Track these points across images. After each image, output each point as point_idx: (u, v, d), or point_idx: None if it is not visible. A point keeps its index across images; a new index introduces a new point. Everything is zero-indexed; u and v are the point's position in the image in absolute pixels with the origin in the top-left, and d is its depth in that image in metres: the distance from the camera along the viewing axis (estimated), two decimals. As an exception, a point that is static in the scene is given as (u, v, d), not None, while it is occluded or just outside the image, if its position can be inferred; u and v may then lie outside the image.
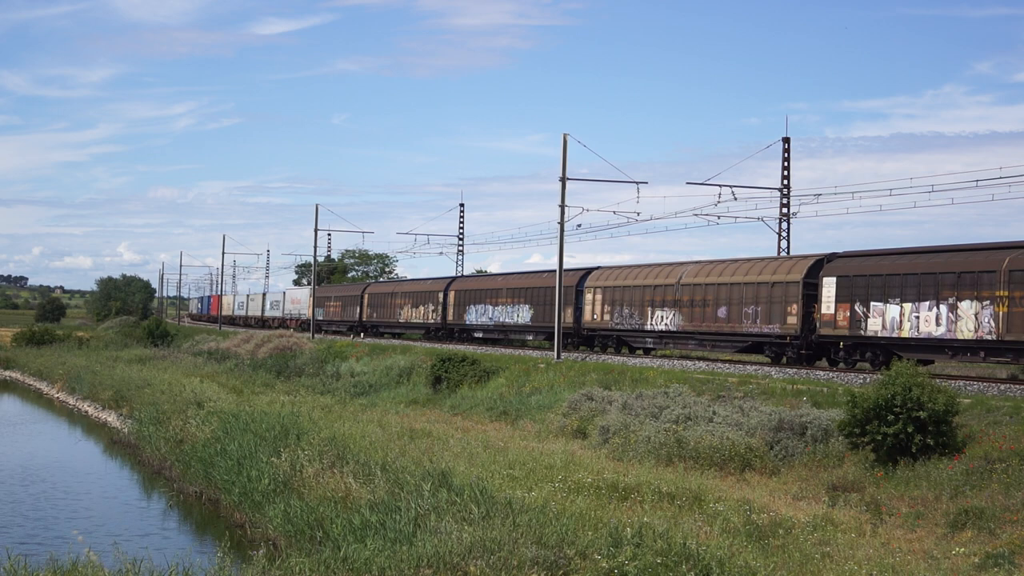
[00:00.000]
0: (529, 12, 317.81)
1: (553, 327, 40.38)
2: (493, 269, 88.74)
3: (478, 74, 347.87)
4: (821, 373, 29.93)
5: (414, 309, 62.09)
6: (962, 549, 14.08)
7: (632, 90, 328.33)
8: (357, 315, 70.50)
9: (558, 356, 38.34)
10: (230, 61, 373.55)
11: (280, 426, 24.33)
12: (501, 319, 51.95)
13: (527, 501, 15.95)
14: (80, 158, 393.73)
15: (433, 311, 59.28)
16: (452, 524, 14.56)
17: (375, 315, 68.04)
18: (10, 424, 38.14)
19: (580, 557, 13.08)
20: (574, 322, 44.40)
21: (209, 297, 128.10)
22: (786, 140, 45.26)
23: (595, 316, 43.48)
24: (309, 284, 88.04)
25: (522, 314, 50.11)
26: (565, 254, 40.08)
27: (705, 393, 26.07)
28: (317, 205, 69.66)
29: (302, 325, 78.85)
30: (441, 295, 58.39)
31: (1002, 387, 24.68)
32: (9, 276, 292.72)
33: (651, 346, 41.50)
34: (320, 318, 75.41)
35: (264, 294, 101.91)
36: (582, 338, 44.90)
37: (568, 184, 38.98)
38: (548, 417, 27.58)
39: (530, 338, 50.30)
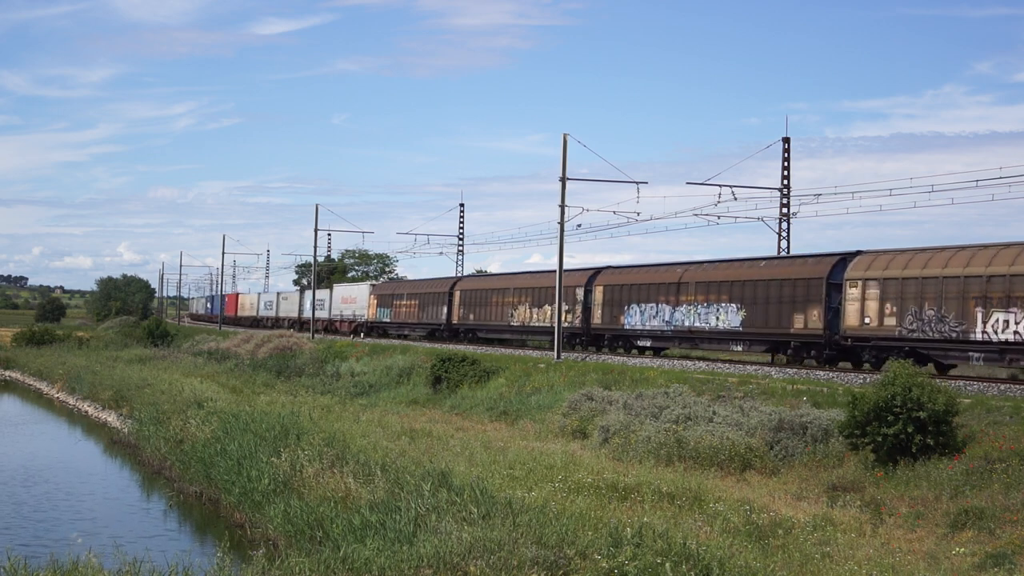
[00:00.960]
0: (529, 12, 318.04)
1: (783, 333, 33.66)
2: (493, 269, 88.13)
3: (478, 74, 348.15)
4: (821, 373, 29.92)
5: (536, 309, 48.46)
6: (962, 549, 14.08)
7: (632, 90, 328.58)
8: (443, 316, 57.53)
9: (558, 356, 38.33)
10: (230, 61, 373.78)
11: (280, 426, 24.33)
12: (691, 322, 38.04)
13: (527, 501, 15.95)
14: (80, 158, 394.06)
15: (567, 312, 44.99)
16: (452, 524, 14.56)
17: (472, 316, 54.94)
18: (11, 425, 38.12)
19: (580, 557, 13.07)
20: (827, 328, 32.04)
21: (222, 296, 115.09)
22: (786, 140, 45.25)
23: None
24: (309, 285, 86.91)
25: (728, 316, 36.33)
26: (565, 254, 40.11)
27: (705, 393, 26.08)
28: (317, 205, 69.62)
29: (359, 328, 68.70)
30: (581, 291, 45.11)
31: (1002, 387, 24.68)
32: (9, 276, 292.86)
33: None
34: (386, 320, 65.03)
35: (302, 291, 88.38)
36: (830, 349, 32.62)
37: (568, 184, 39.02)
38: (548, 417, 27.59)
39: (739, 348, 36.88)
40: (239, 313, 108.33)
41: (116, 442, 32.45)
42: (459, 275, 64.14)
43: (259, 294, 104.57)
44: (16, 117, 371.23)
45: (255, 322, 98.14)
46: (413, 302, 62.03)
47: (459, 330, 56.48)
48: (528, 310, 49.20)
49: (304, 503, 17.88)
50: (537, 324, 48.38)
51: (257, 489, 19.92)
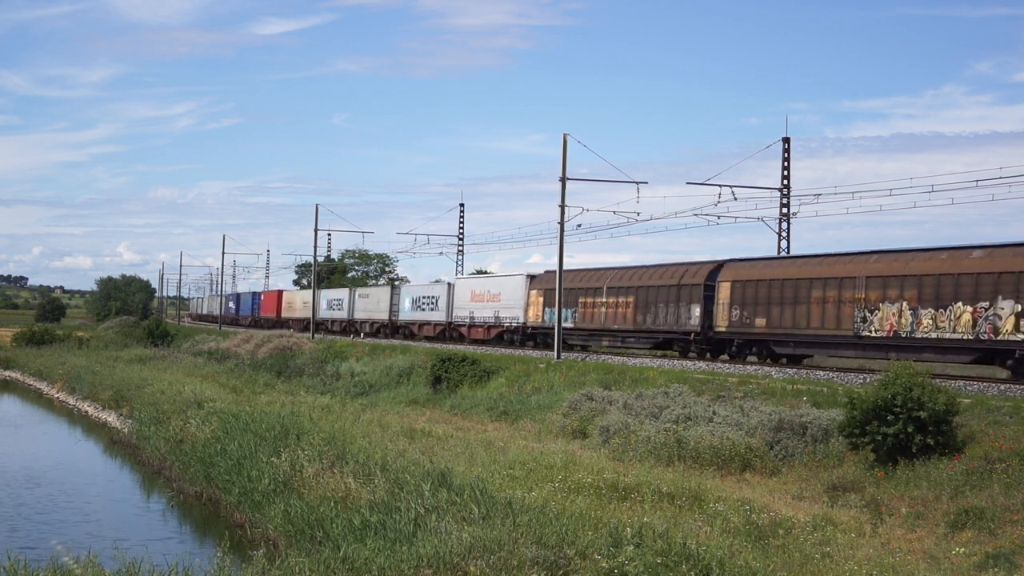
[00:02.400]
0: (529, 12, 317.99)
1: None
2: (493, 269, 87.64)
3: (478, 74, 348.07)
4: (821, 373, 29.92)
5: (931, 311, 28.75)
6: (962, 549, 14.07)
7: (632, 90, 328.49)
8: (694, 320, 38.17)
9: (558, 356, 38.34)
10: (230, 61, 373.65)
11: (280, 426, 24.33)
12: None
13: (527, 501, 15.95)
14: (80, 158, 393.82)
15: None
16: (452, 524, 14.56)
17: (760, 320, 34.96)
18: (13, 426, 38.12)
19: (580, 557, 13.07)
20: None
21: (253, 294, 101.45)
22: (786, 140, 45.25)
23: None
24: (309, 285, 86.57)
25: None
26: (565, 254, 40.02)
27: (705, 393, 26.08)
28: (317, 205, 69.47)
29: (514, 336, 50.94)
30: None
31: (1002, 387, 24.67)
32: (9, 276, 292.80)
33: None
34: (568, 324, 44.00)
35: (395, 284, 74.53)
36: None
37: (568, 184, 39.01)
38: (548, 417, 27.59)
39: None
40: (284, 314, 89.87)
41: (116, 442, 32.46)
42: (719, 260, 38.59)
43: (318, 291, 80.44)
44: (16, 117, 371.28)
45: (320, 325, 76.82)
46: (625, 299, 42.32)
47: (734, 342, 36.77)
48: (907, 311, 29.41)
49: (304, 503, 17.88)
50: (938, 336, 28.54)
51: (257, 489, 19.92)
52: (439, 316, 59.90)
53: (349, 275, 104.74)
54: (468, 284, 58.38)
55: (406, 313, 64.78)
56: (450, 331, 58.75)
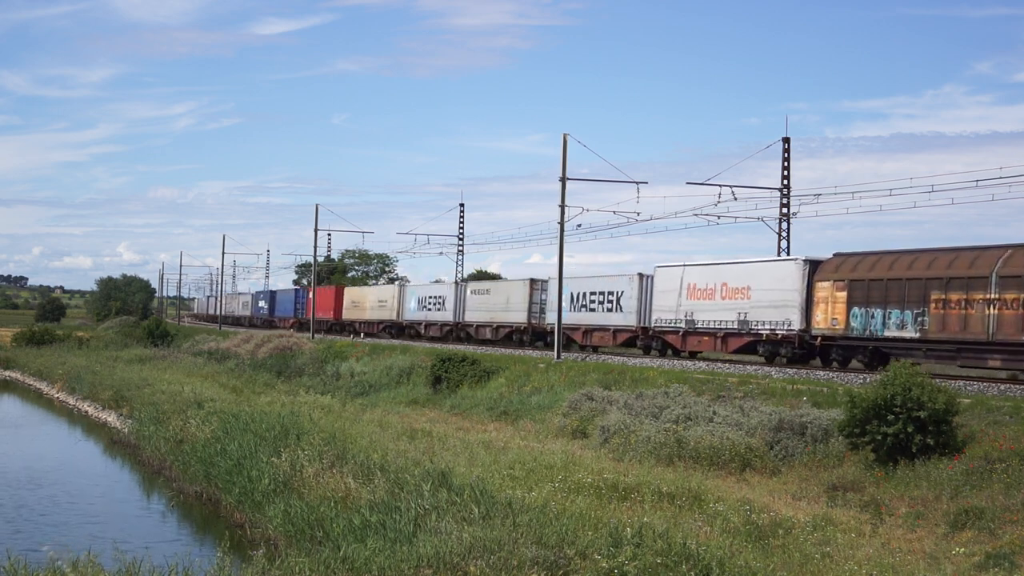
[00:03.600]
0: (529, 12, 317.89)
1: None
2: (493, 269, 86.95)
3: (478, 74, 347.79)
4: (821, 373, 29.92)
5: None
6: (962, 549, 14.08)
7: (632, 90, 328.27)
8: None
9: (558, 356, 38.34)
10: (230, 61, 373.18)
11: (280, 426, 24.33)
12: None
13: (527, 501, 15.95)
14: (80, 158, 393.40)
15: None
16: (452, 524, 14.56)
17: None
18: (14, 427, 38.12)
19: (580, 557, 13.07)
20: None
21: (297, 291, 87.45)
22: (786, 140, 45.22)
23: None
24: (309, 284, 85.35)
25: None
26: (565, 254, 39.91)
27: (705, 393, 26.08)
28: (317, 205, 69.36)
29: (792, 349, 34.67)
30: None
31: (1002, 387, 24.68)
32: (9, 276, 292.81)
33: None
34: (909, 334, 29.39)
35: (535, 279, 51.83)
36: None
37: (568, 184, 39.02)
38: (548, 417, 27.59)
39: None
40: (347, 316, 75.04)
41: (116, 442, 32.46)
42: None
43: (403, 285, 66.33)
44: (16, 117, 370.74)
45: (396, 329, 63.75)
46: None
47: None
48: None
49: (304, 503, 17.88)
50: None
51: (257, 489, 19.92)
52: (625, 319, 43.82)
53: (349, 275, 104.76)
54: (685, 274, 39.62)
55: (567, 314, 45.35)
56: (647, 339, 42.28)
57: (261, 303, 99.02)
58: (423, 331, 62.33)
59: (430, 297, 62.57)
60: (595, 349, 46.16)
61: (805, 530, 15.26)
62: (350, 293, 77.35)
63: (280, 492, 19.33)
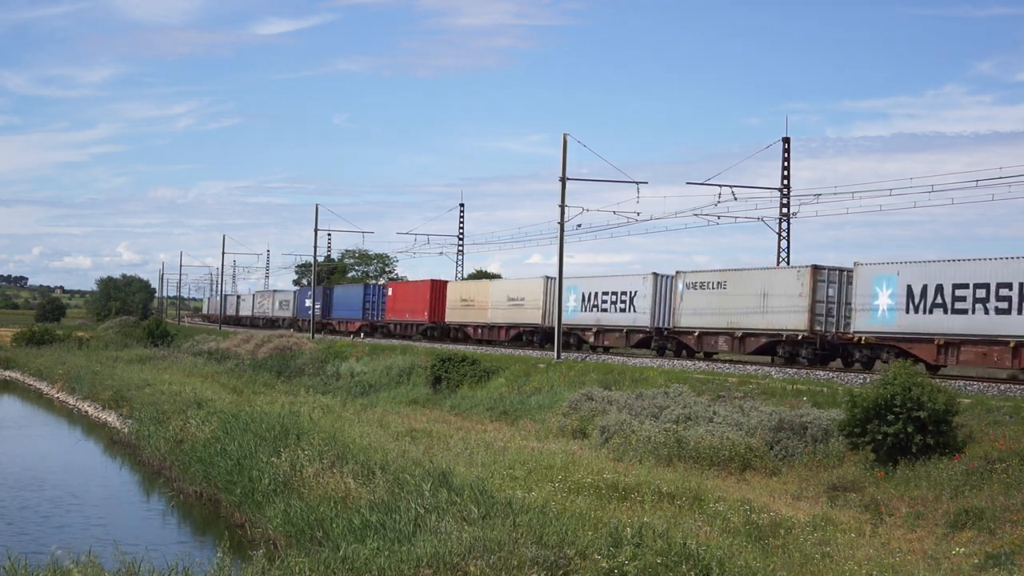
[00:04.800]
0: (529, 12, 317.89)
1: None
2: (493, 269, 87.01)
3: (478, 74, 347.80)
4: (821, 373, 29.91)
5: None
6: (962, 549, 14.07)
7: (632, 90, 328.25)
8: None
9: (558, 356, 38.34)
10: (230, 61, 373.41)
11: (280, 426, 24.33)
12: None
13: (527, 501, 15.94)
14: (80, 158, 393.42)
15: None
16: (452, 524, 14.56)
17: None
18: (15, 427, 38.11)
19: (580, 557, 13.07)
20: None
21: (372, 288, 72.40)
22: (786, 140, 45.25)
23: None
24: (310, 284, 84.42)
25: None
26: (565, 254, 39.89)
27: (705, 393, 26.08)
28: (317, 205, 69.31)
29: None
30: None
31: (1002, 387, 24.69)
32: (9, 276, 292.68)
33: None
34: None
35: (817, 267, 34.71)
36: None
37: (568, 184, 39.03)
38: (548, 417, 27.59)
39: None
40: (453, 318, 58.80)
41: (116, 442, 32.45)
42: None
43: (553, 277, 44.48)
44: (16, 117, 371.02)
45: (540, 336, 50.40)
46: None
47: None
48: None
49: (304, 503, 17.87)
50: None
51: (257, 489, 19.91)
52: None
53: (349, 275, 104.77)
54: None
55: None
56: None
57: (305, 302, 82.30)
58: (594, 339, 45.86)
59: (604, 293, 44.97)
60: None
61: (805, 530, 15.26)
62: (458, 289, 59.65)
63: (280, 492, 19.32)
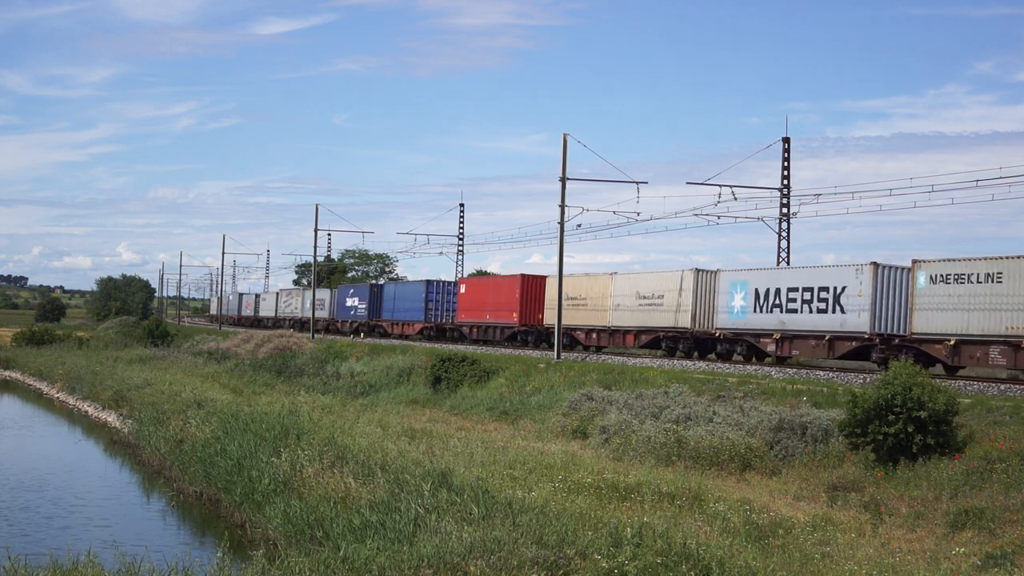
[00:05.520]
0: (529, 12, 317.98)
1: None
2: (493, 269, 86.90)
3: (478, 74, 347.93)
4: (821, 373, 29.91)
5: None
6: (962, 549, 14.07)
7: (632, 90, 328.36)
8: None
9: (558, 356, 38.34)
10: (230, 61, 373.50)
11: (280, 426, 24.33)
12: None
13: (527, 501, 15.94)
14: (80, 158, 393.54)
15: None
16: (452, 524, 14.55)
17: None
18: (16, 427, 38.10)
19: (580, 557, 13.07)
20: None
21: (434, 284, 62.52)
22: (786, 140, 45.24)
23: None
24: (310, 284, 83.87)
25: None
26: (565, 254, 39.84)
27: (705, 393, 26.08)
28: (317, 205, 69.30)
29: None
30: None
31: (1002, 387, 24.69)
32: (9, 276, 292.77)
33: None
34: None
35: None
36: None
37: (568, 184, 39.06)
38: (548, 417, 27.59)
39: None
40: (552, 319, 43.95)
41: (116, 442, 32.45)
42: None
43: (704, 271, 39.79)
44: (16, 117, 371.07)
45: (690, 345, 40.04)
46: None
47: None
48: None
49: (304, 503, 17.86)
50: None
51: (257, 489, 19.91)
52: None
53: (349, 275, 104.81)
54: None
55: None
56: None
57: (351, 301, 74.02)
58: (775, 348, 35.71)
59: (793, 289, 35.36)
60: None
61: (805, 530, 15.26)
62: (564, 284, 43.15)
63: (280, 492, 19.31)
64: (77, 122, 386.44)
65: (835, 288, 33.37)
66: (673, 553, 12.65)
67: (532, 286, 51.21)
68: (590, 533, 13.99)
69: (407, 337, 62.01)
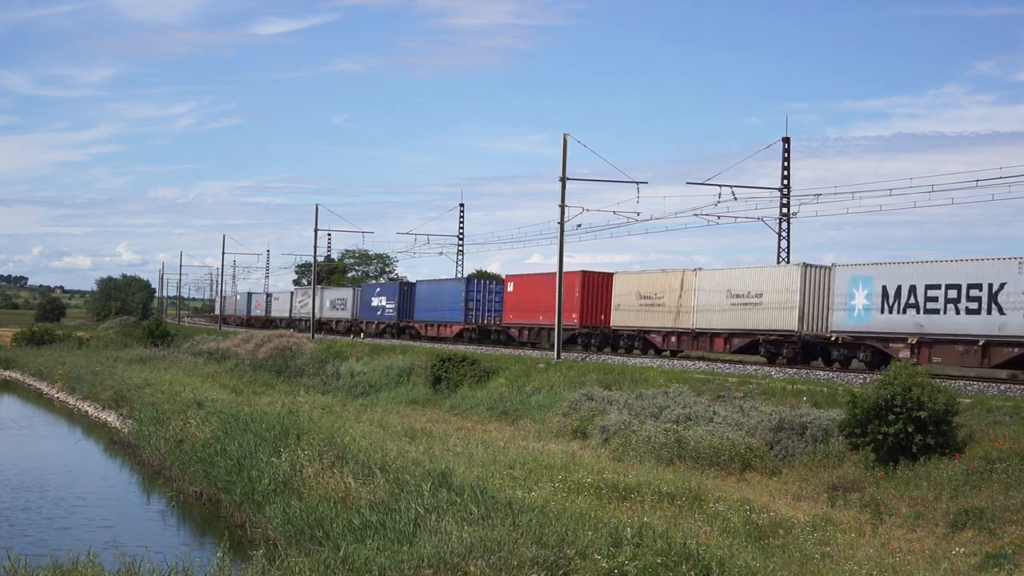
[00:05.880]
0: (529, 12, 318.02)
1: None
2: (493, 269, 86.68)
3: (478, 74, 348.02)
4: (821, 373, 29.90)
5: None
6: (962, 549, 14.07)
7: (632, 90, 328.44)
8: None
9: (558, 356, 38.34)
10: (230, 61, 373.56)
11: (280, 426, 24.33)
12: None
13: (527, 501, 15.94)
14: (80, 158, 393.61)
15: None
16: (452, 524, 14.55)
17: None
18: (16, 427, 38.11)
19: (580, 557, 13.06)
20: None
21: (477, 283, 58.81)
22: (786, 140, 45.23)
23: None
24: (309, 284, 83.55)
25: None
26: (565, 254, 39.88)
27: (705, 393, 26.08)
28: (317, 205, 69.27)
29: None
30: None
31: (1002, 387, 24.69)
32: (9, 276, 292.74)
33: None
34: None
35: None
36: None
37: (568, 184, 39.05)
38: (548, 417, 27.58)
39: None
40: (622, 321, 44.07)
41: (116, 442, 32.45)
42: None
43: (837, 266, 34.11)
44: (16, 117, 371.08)
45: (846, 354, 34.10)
46: None
47: None
48: None
49: (304, 503, 17.86)
50: None
51: (257, 489, 19.91)
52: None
53: (349, 275, 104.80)
54: None
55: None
56: None
57: (377, 300, 69.39)
58: (907, 356, 30.02)
59: (932, 286, 30.48)
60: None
61: (805, 530, 15.26)
62: (634, 282, 43.25)
63: (280, 492, 19.31)
64: (77, 122, 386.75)
65: (990, 285, 28.44)
66: (673, 553, 12.65)
67: (595, 283, 46.36)
68: (590, 533, 13.98)
69: (442, 340, 58.62)
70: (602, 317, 45.65)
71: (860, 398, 19.35)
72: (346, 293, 77.39)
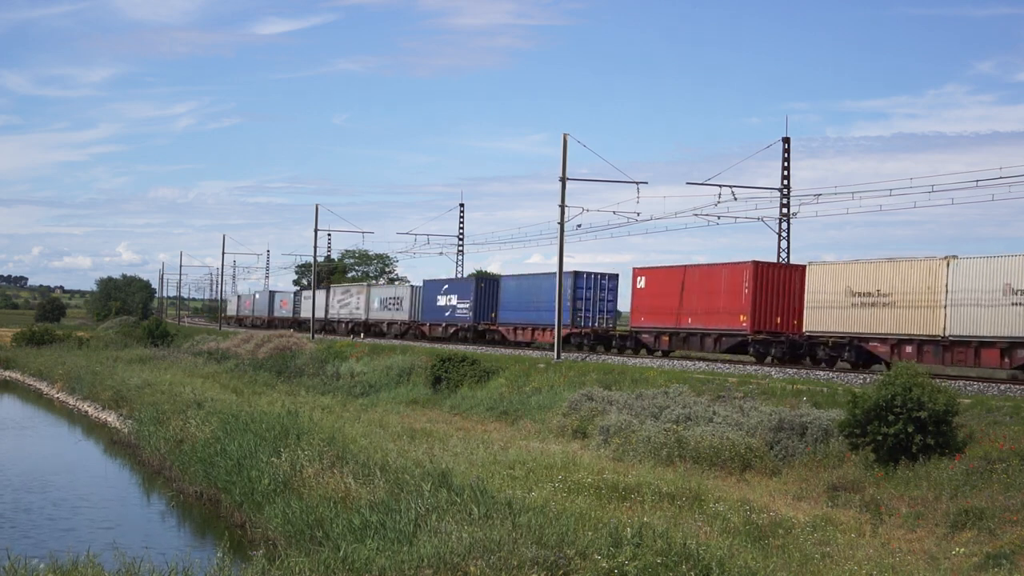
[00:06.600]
0: (529, 12, 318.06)
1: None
2: (493, 269, 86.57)
3: (478, 74, 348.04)
4: (821, 373, 29.91)
5: None
6: (962, 549, 14.08)
7: (632, 90, 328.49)
8: None
9: (558, 356, 38.34)
10: (230, 61, 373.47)
11: (280, 426, 24.32)
12: None
13: (527, 501, 15.94)
14: (80, 158, 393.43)
15: None
16: (452, 524, 14.55)
17: None
18: (17, 427, 38.10)
19: (580, 557, 13.06)
20: None
21: (595, 276, 48.32)
22: (786, 140, 45.22)
23: None
24: (310, 285, 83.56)
25: None
26: (565, 254, 39.88)
27: (705, 393, 26.07)
28: (317, 205, 69.22)
29: None
30: None
31: (1002, 387, 24.68)
32: (9, 276, 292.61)
33: None
34: None
35: None
36: None
37: (568, 184, 39.06)
38: (548, 417, 27.58)
39: None
40: (824, 326, 33.89)
41: (116, 442, 32.44)
42: None
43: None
44: (16, 117, 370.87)
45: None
46: None
47: None
48: None
49: (304, 503, 17.86)
50: None
51: (257, 489, 19.90)
52: None
53: (349, 275, 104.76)
54: None
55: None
56: None
57: (445, 299, 61.04)
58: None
59: None
60: None
61: (805, 530, 15.27)
62: (842, 274, 33.74)
63: (280, 492, 19.30)
64: (77, 122, 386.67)
65: None
66: (673, 553, 12.65)
67: (773, 278, 37.06)
68: (590, 533, 13.98)
69: (537, 346, 50.56)
70: (794, 321, 36.15)
71: (860, 398, 19.35)
72: (402, 291, 68.45)
